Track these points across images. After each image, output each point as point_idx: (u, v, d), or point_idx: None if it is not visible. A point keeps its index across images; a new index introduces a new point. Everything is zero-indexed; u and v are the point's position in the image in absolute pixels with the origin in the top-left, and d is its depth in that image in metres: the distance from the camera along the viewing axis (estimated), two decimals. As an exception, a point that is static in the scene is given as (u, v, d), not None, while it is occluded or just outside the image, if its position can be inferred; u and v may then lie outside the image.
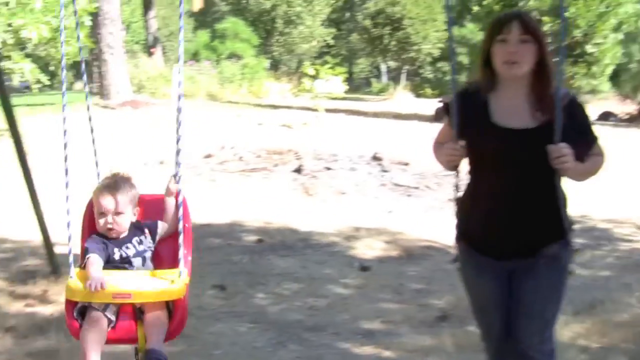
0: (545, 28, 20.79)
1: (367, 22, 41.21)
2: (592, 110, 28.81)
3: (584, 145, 3.60)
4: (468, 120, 3.64)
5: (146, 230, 3.70)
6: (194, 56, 36.49)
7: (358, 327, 6.35)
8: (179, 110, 3.52)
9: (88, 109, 3.93)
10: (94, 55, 24.76)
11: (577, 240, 8.84)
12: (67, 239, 3.49)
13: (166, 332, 3.50)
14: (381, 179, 12.94)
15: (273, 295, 7.22)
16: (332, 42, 51.25)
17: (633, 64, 26.92)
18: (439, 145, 3.86)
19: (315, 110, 23.12)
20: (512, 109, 3.62)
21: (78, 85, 46.19)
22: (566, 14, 23.11)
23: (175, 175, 3.64)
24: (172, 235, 3.66)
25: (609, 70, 26.02)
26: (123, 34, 28.72)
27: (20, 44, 17.78)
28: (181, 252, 3.54)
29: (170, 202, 3.69)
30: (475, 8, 24.89)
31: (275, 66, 44.85)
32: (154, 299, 3.46)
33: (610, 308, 6.63)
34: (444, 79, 37.80)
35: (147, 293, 3.43)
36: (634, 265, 8.39)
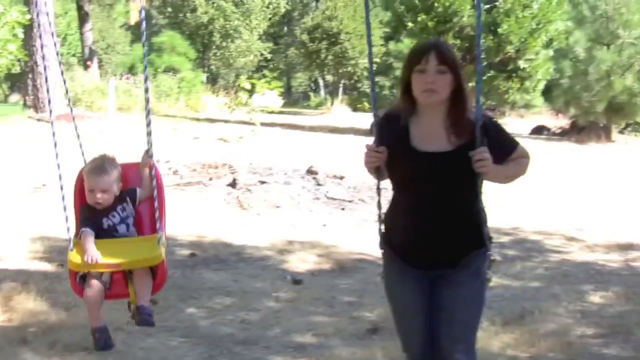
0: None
1: (305, 37, 41.30)
2: (526, 124, 29.44)
3: (504, 152, 3.80)
4: (390, 143, 3.82)
5: (127, 199, 4.40)
6: (131, 69, 36.12)
7: (290, 340, 6.34)
8: (148, 112, 4.52)
9: (74, 120, 5.12)
10: (29, 68, 24.35)
11: (509, 252, 9.04)
12: (65, 219, 4.20)
13: (151, 287, 4.28)
14: (316, 193, 12.95)
15: (205, 310, 7.17)
16: (269, 56, 51.23)
17: (564, 79, 27.47)
18: None
19: (252, 124, 23.11)
20: (430, 134, 3.79)
21: (13, 97, 45.52)
22: (499, 31, 23.59)
23: (147, 151, 4.37)
24: (148, 200, 4.39)
25: (541, 85, 26.56)
26: (58, 46, 28.28)
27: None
28: (158, 222, 4.26)
29: (145, 172, 4.41)
30: (410, 24, 25.11)
31: (212, 80, 44.74)
32: (140, 265, 4.21)
33: (538, 318, 6.76)
34: (382, 93, 38.02)
35: (134, 261, 4.16)
36: (562, 275, 8.55)
